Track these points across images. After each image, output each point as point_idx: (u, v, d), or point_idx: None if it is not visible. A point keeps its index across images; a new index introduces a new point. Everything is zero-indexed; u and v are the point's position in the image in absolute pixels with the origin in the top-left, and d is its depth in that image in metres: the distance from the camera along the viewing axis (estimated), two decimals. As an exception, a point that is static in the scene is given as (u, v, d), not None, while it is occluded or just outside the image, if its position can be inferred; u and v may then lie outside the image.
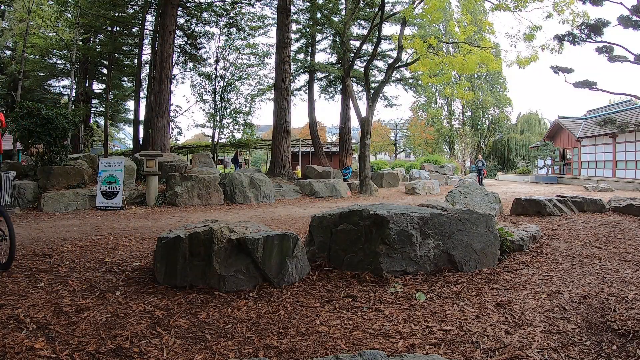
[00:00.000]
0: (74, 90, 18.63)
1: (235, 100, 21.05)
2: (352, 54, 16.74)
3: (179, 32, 19.51)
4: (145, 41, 21.23)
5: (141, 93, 22.30)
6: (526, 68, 11.43)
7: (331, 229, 3.65)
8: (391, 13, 15.97)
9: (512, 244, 4.04)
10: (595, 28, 10.37)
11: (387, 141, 41.43)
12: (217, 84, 20.49)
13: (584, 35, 10.57)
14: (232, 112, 20.80)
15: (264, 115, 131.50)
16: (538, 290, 2.95)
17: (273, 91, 15.88)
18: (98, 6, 18.44)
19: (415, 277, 3.29)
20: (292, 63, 17.11)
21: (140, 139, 20.24)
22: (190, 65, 21.76)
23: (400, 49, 13.29)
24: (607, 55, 10.66)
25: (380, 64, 21.74)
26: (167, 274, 3.18)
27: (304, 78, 22.99)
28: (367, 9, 18.84)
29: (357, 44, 19.22)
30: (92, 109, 23.82)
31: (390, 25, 28.34)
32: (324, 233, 3.72)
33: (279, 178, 13.89)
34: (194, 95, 21.34)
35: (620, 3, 10.14)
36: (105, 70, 23.75)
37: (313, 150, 24.25)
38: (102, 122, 25.96)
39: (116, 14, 20.40)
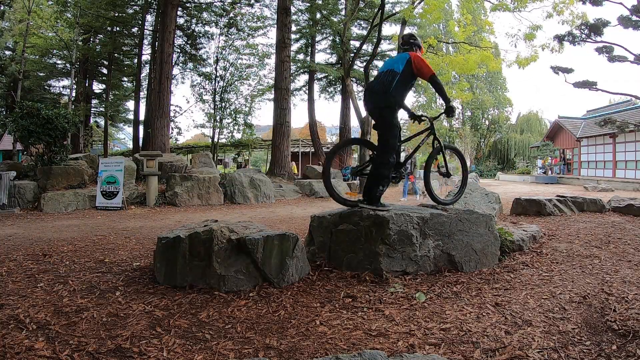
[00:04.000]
0: (74, 91, 18.64)
1: (235, 100, 21.06)
2: (352, 54, 16.76)
3: (179, 32, 19.52)
4: (145, 41, 21.26)
5: (141, 93, 22.33)
6: (526, 68, 11.45)
7: (331, 229, 3.65)
8: (391, 13, 15.98)
9: (512, 244, 4.04)
10: (595, 28, 10.38)
11: (387, 141, 41.37)
12: (217, 84, 20.49)
13: (583, 35, 10.58)
14: (232, 112, 20.81)
15: (264, 115, 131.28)
16: (538, 290, 2.95)
17: (273, 91, 15.88)
18: (98, 6, 18.45)
19: (415, 277, 3.29)
20: (292, 63, 17.12)
21: (140, 139, 20.26)
22: (190, 65, 21.77)
23: (400, 49, 13.29)
24: (607, 55, 10.67)
25: (380, 64, 21.73)
26: (167, 274, 3.18)
27: (304, 78, 23.03)
28: (367, 9, 18.85)
29: (357, 44, 19.26)
30: (92, 109, 23.83)
31: (390, 26, 28.37)
32: (324, 233, 3.72)
33: (279, 178, 13.89)
34: (193, 95, 21.37)
35: (620, 3, 10.15)
36: (105, 70, 23.77)
37: (313, 150, 24.25)
38: (102, 122, 25.96)
39: (116, 14, 20.41)
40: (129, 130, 30.45)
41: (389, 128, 3.58)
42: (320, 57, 26.43)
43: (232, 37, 20.31)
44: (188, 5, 19.76)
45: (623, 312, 2.45)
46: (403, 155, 4.12)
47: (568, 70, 11.68)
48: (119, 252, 4.47)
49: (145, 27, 20.95)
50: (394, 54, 15.54)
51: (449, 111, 3.57)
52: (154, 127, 14.18)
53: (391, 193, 14.73)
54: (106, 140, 24.20)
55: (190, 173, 10.98)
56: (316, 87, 23.38)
